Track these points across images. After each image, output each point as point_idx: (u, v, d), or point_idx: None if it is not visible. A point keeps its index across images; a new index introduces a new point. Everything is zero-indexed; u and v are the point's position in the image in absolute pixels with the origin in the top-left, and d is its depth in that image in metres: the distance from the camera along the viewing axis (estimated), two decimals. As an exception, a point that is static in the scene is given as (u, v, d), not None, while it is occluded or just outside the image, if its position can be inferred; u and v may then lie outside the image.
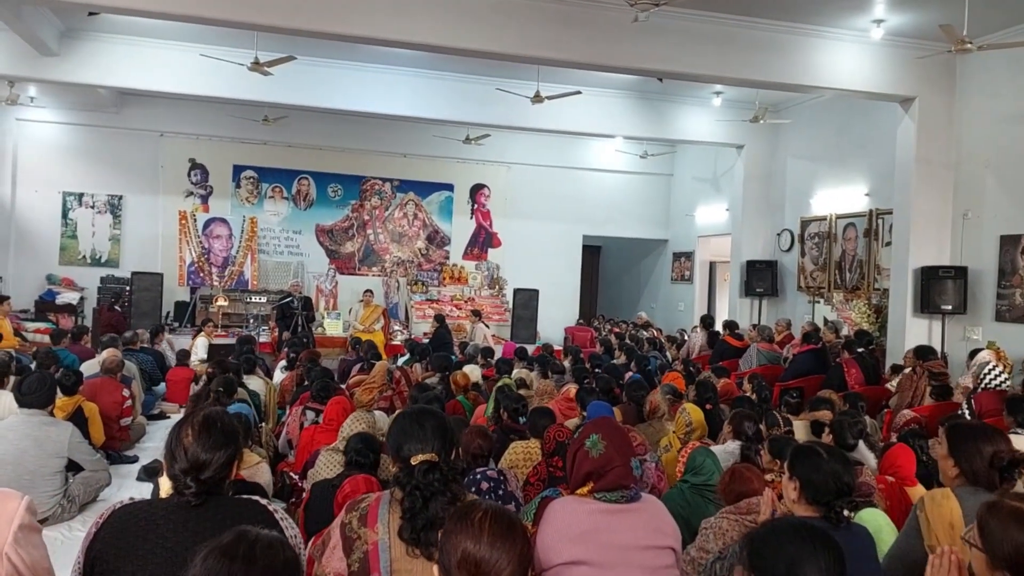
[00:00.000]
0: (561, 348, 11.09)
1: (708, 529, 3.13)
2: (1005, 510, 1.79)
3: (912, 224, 8.76)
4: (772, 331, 9.61)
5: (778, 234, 12.03)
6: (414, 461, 2.10)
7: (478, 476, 3.26)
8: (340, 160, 14.12)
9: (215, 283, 12.89)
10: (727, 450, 4.43)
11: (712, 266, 14.69)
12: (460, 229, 14.95)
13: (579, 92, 10.06)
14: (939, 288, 8.53)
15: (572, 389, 5.79)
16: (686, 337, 11.55)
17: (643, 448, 4.24)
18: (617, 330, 12.73)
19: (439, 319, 11.74)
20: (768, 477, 3.70)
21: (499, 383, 6.45)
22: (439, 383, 6.81)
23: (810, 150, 11.44)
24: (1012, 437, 3.75)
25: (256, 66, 8.57)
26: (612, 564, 2.25)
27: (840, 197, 10.77)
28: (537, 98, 9.81)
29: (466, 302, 14.14)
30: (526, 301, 13.65)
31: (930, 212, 8.75)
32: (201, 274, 12.92)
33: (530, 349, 9.85)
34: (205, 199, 13.68)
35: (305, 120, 12.96)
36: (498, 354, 9.33)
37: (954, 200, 8.76)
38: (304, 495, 4.13)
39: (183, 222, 12.88)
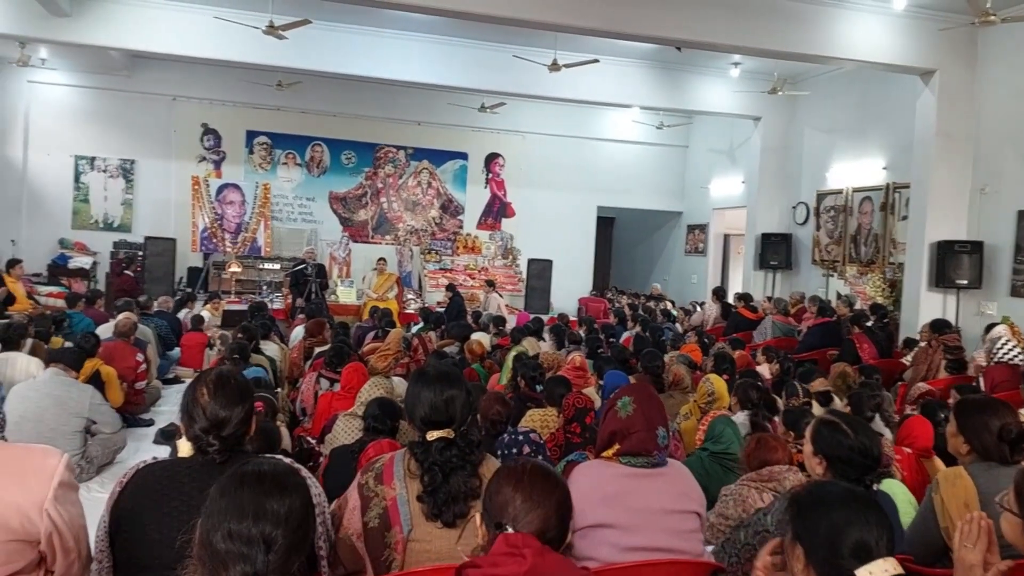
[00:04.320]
0: (576, 319, 11.07)
1: (728, 496, 3.15)
2: None
3: (929, 198, 8.67)
4: (787, 303, 9.58)
5: (793, 207, 11.94)
6: (430, 437, 2.13)
7: (520, 438, 3.28)
8: (354, 127, 14.04)
9: (228, 249, 12.91)
10: (738, 420, 4.45)
11: (726, 239, 14.64)
12: (474, 198, 14.91)
13: (597, 60, 9.93)
14: (955, 263, 8.47)
15: (578, 358, 5.81)
16: (698, 309, 11.53)
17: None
18: (631, 301, 12.71)
19: (451, 288, 11.75)
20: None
21: (511, 351, 6.48)
22: (457, 352, 6.84)
23: (828, 122, 11.30)
24: (1024, 411, 3.75)
25: (271, 30, 8.49)
26: (638, 527, 2.28)
27: (857, 170, 10.66)
28: (554, 66, 9.69)
29: (480, 272, 14.14)
30: (540, 271, 13.63)
31: (948, 186, 8.65)
32: (214, 240, 12.95)
33: (544, 319, 9.84)
34: (218, 164, 13.66)
35: (319, 86, 12.86)
36: (511, 324, 9.34)
37: (973, 174, 8.66)
38: (323, 460, 4.16)
39: (196, 187, 12.87)
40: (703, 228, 14.66)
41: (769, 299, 10.68)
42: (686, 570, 2.36)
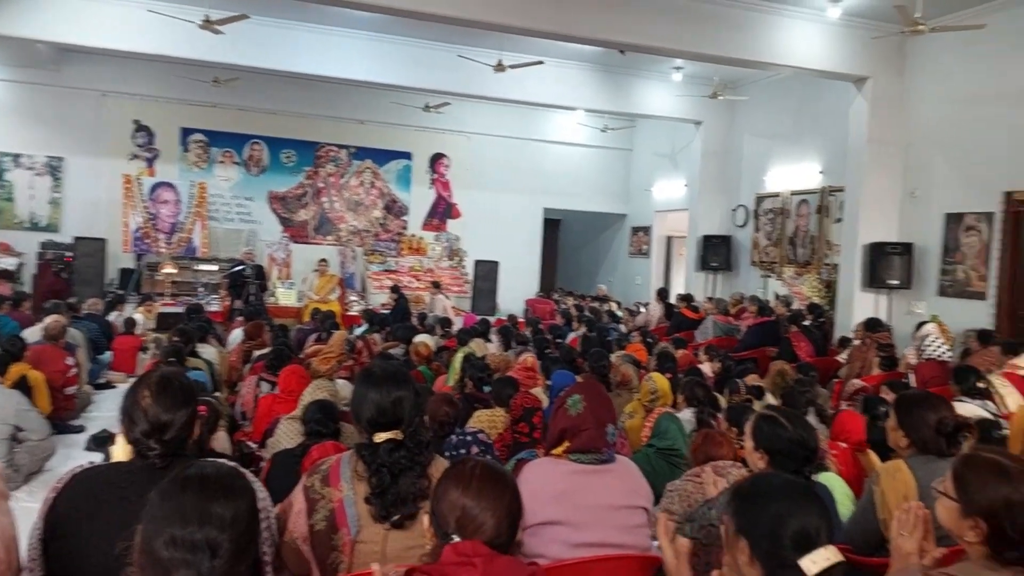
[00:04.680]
0: (523, 320, 11.09)
1: (673, 492, 3.17)
2: (982, 462, 1.85)
3: (862, 201, 8.97)
4: (728, 304, 9.79)
5: (733, 210, 12.20)
6: (378, 439, 2.10)
7: (469, 439, 3.27)
8: (294, 125, 13.77)
9: (162, 250, 12.51)
10: (684, 417, 4.54)
11: (669, 240, 14.86)
12: (419, 199, 14.78)
13: (541, 62, 9.98)
14: (886, 264, 8.78)
15: (530, 359, 5.82)
16: (641, 310, 11.69)
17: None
18: (577, 302, 12.81)
19: (396, 290, 11.64)
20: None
21: (458, 352, 6.45)
22: (403, 354, 6.77)
23: (766, 127, 11.59)
24: (957, 405, 3.91)
25: (207, 24, 8.27)
26: (587, 523, 2.30)
27: (794, 174, 10.96)
28: (499, 67, 9.69)
29: (425, 273, 14.04)
30: (486, 273, 13.60)
31: (880, 190, 8.97)
32: (147, 240, 12.53)
33: (491, 321, 9.82)
34: (151, 162, 13.22)
35: (258, 82, 12.58)
36: (458, 325, 9.30)
37: (903, 178, 8.99)
38: (264, 465, 4.05)
39: (128, 186, 12.43)
40: (647, 230, 14.86)
41: (710, 299, 10.91)
42: (635, 565, 2.38)
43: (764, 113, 11.60)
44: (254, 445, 4.82)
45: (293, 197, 14.07)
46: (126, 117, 12.98)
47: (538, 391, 4.99)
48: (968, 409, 4.56)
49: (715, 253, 11.96)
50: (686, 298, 10.68)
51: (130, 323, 9.29)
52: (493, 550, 1.63)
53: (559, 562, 2.21)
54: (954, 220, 8.39)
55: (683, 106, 11.84)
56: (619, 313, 11.65)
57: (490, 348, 7.26)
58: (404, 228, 14.72)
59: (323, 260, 12.45)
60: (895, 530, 2.05)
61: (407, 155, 14.65)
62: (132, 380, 2.11)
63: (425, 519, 1.75)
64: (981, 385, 5.17)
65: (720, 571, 1.72)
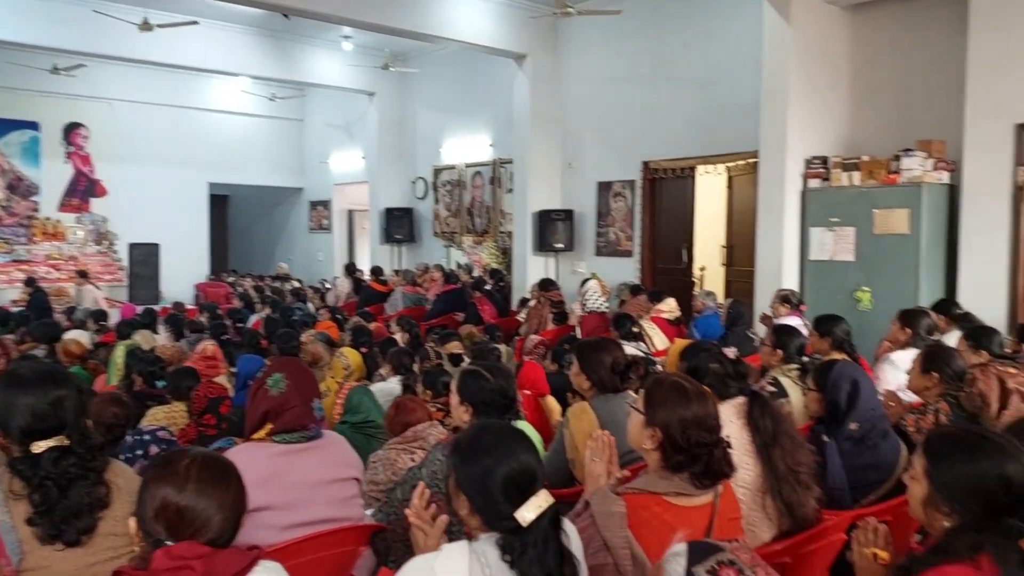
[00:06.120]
0: (195, 306, 10.20)
1: (377, 462, 3.25)
2: (667, 382, 2.09)
3: (529, 172, 9.68)
4: (415, 274, 9.99)
5: (413, 182, 12.41)
6: (37, 448, 1.87)
7: (147, 438, 3.06)
8: None
9: None
10: (388, 387, 4.63)
11: (351, 214, 14.68)
12: (52, 176, 12.62)
13: (196, 23, 9.06)
14: (552, 229, 9.62)
15: (210, 347, 5.44)
16: (328, 286, 11.41)
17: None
18: (257, 283, 12.08)
19: (30, 283, 10.00)
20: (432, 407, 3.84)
21: (119, 347, 6.02)
22: (46, 356, 5.82)
23: (439, 100, 11.92)
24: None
25: None
26: (297, 504, 2.27)
27: (468, 146, 11.45)
28: (146, 26, 8.64)
29: (67, 261, 12.20)
30: (145, 257, 12.25)
31: (543, 162, 9.74)
32: None
33: (156, 310, 8.85)
34: None
35: None
36: (115, 318, 8.30)
37: (562, 151, 9.87)
38: None
39: None
40: (326, 204, 14.51)
41: (397, 272, 11.01)
42: (349, 536, 2.41)
43: (436, 86, 11.90)
44: None
45: None
46: None
47: (222, 379, 4.75)
48: (627, 351, 5.18)
49: (398, 225, 12.08)
50: (375, 271, 10.67)
51: None
52: (214, 548, 1.50)
53: (270, 547, 2.10)
54: (605, 188, 9.44)
55: (355, 76, 11.66)
56: (306, 291, 11.28)
57: (158, 340, 6.75)
58: (35, 210, 12.52)
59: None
60: (587, 458, 2.24)
61: (33, 125, 12.41)
62: None
63: (131, 523, 1.57)
64: (635, 329, 5.92)
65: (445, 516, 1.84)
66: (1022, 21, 5.66)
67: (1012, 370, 2.95)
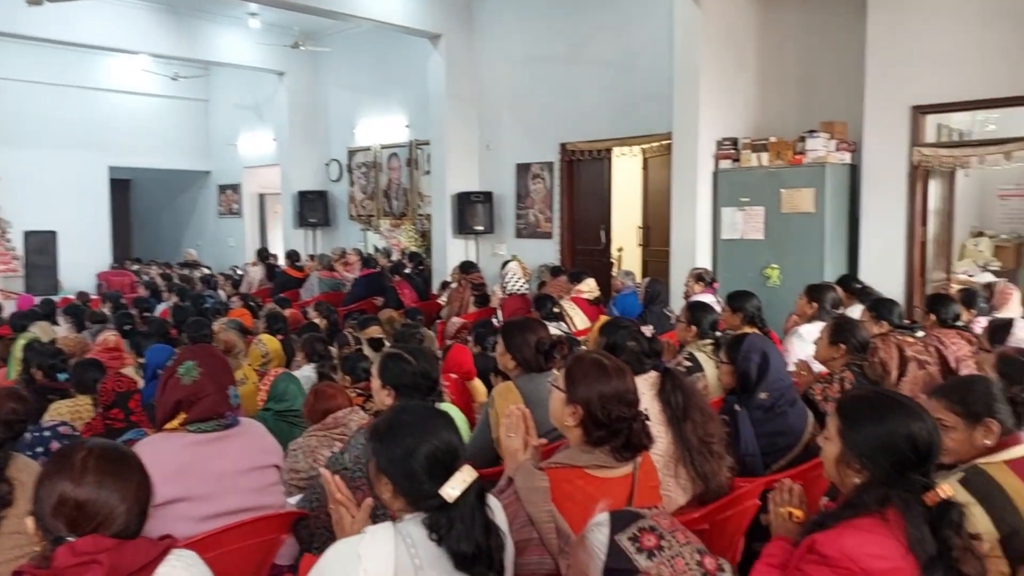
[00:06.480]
0: (97, 296, 9.70)
1: (298, 450, 3.22)
2: (587, 360, 2.11)
3: (447, 154, 9.58)
4: (331, 259, 9.79)
5: (327, 164, 12.11)
6: None
7: (48, 434, 2.92)
8: None
9: None
10: (304, 374, 4.59)
11: (262, 198, 14.19)
12: (-70, 160, 11.71)
13: (90, -5, 8.54)
14: (471, 211, 9.58)
15: (111, 337, 5.24)
16: (240, 273, 11.05)
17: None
18: (163, 271, 11.58)
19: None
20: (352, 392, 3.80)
21: (17, 340, 5.71)
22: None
23: (352, 81, 11.64)
24: (543, 326, 4.46)
25: None
26: (214, 494, 2.22)
27: (383, 128, 11.24)
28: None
29: (-49, 251, 11.35)
30: (41, 246, 11.56)
31: (461, 143, 9.67)
32: None
33: (56, 300, 8.39)
34: None
35: None
36: (10, 310, 7.81)
37: (479, 132, 9.82)
38: None
39: None
40: (236, 188, 13.99)
41: (312, 257, 10.76)
42: (270, 524, 2.37)
43: (349, 66, 11.61)
44: None
45: None
46: None
47: (130, 371, 4.65)
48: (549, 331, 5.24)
49: (312, 209, 11.79)
50: (291, 256, 10.40)
51: None
52: (121, 540, 1.45)
53: (186, 540, 2.03)
54: (523, 170, 9.45)
55: (263, 55, 11.25)
56: (217, 279, 10.90)
57: (59, 331, 6.48)
58: (-87, 198, 11.60)
59: None
60: (503, 433, 2.25)
61: (-88, 106, 11.47)
62: None
63: (29, 522, 1.52)
64: (556, 310, 5.99)
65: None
66: (918, 9, 5.97)
67: (910, 339, 3.13)
